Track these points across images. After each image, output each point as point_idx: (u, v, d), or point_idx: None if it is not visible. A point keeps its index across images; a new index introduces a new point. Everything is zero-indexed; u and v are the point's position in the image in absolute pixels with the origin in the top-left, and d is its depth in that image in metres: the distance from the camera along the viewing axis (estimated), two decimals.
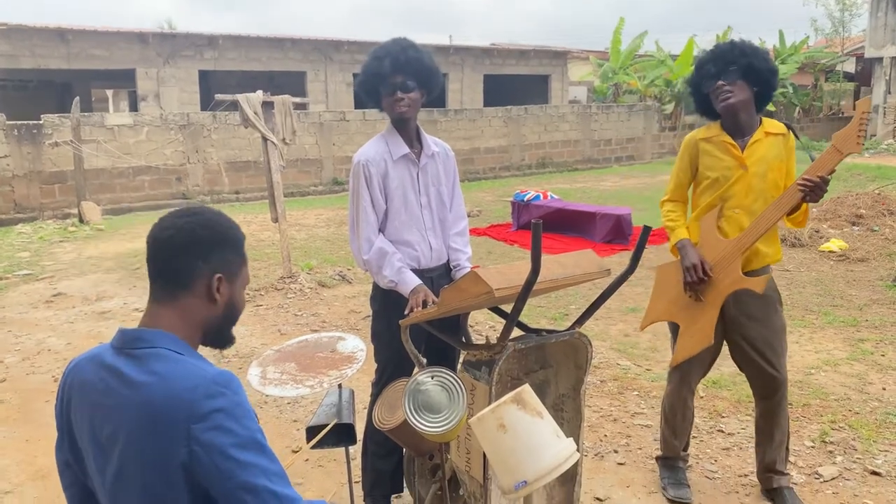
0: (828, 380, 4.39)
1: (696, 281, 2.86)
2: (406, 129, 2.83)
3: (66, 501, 1.64)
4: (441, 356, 2.81)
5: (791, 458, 3.39)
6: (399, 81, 2.71)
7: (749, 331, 2.94)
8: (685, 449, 3.24)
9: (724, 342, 3.04)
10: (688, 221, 3.08)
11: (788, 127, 2.96)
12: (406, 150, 2.81)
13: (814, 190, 2.68)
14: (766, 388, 3.00)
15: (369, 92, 2.82)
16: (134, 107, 19.42)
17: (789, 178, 2.92)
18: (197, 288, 1.46)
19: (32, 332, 5.77)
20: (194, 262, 1.45)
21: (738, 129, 2.91)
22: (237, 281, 1.52)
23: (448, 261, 2.99)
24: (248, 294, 6.73)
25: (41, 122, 12.28)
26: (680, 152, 3.08)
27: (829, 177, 2.70)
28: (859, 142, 2.63)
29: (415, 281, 2.70)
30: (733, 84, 2.84)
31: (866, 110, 2.64)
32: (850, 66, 28.92)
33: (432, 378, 1.98)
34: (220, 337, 1.56)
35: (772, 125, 2.94)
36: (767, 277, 2.89)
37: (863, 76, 27.61)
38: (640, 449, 3.60)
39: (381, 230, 2.82)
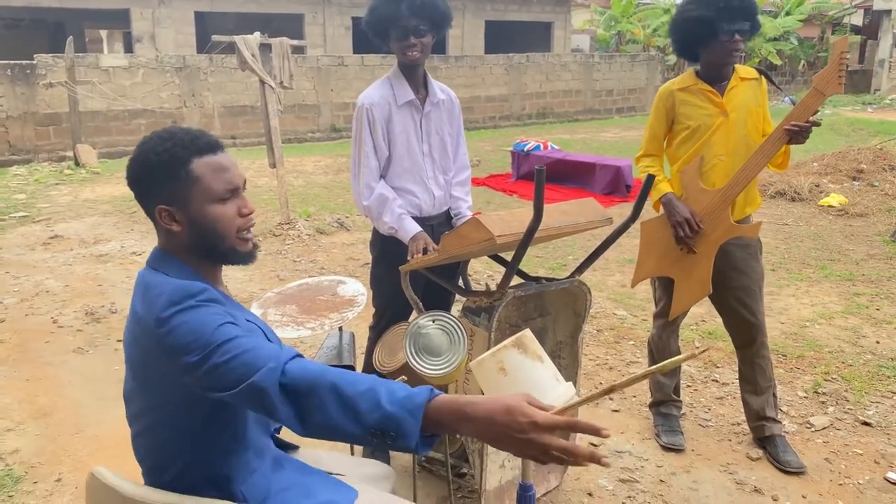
0: (822, 332, 4.43)
1: (689, 235, 2.84)
2: (414, 74, 2.77)
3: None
4: (438, 302, 2.81)
5: (783, 408, 3.45)
6: (413, 25, 2.62)
7: (733, 281, 2.97)
8: (676, 393, 3.28)
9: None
10: (669, 174, 3.05)
11: (761, 72, 2.96)
12: (411, 96, 2.75)
13: (801, 133, 2.67)
14: (745, 336, 3.03)
15: (379, 33, 2.72)
16: (129, 48, 19.06)
17: (766, 121, 2.94)
18: (157, 224, 1.54)
19: (31, 274, 5.77)
20: (143, 205, 1.54)
21: (717, 77, 2.90)
22: (192, 202, 1.50)
23: (449, 209, 2.97)
24: None
25: (34, 62, 12.05)
26: (655, 104, 3.03)
27: (816, 118, 2.68)
28: (840, 82, 2.61)
29: (415, 228, 2.69)
30: (744, 40, 2.82)
31: (844, 50, 2.62)
32: (857, 19, 28.40)
33: (433, 322, 1.98)
34: (216, 254, 1.57)
35: (744, 71, 2.94)
36: (759, 224, 2.91)
37: (870, 29, 27.13)
38: (634, 397, 3.64)
39: (383, 176, 2.79)
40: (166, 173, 1.49)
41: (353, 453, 2.60)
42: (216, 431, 1.53)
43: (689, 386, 3.73)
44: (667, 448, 3.13)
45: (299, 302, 2.29)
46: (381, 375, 2.28)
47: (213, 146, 1.53)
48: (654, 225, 3.02)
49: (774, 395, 3.09)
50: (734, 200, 2.82)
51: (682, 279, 2.97)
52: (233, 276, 5.58)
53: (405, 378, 2.21)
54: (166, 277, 1.48)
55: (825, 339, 4.32)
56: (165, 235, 1.54)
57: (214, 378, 1.35)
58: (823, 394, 3.63)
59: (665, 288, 3.12)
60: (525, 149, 10.22)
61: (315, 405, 1.29)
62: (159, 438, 1.54)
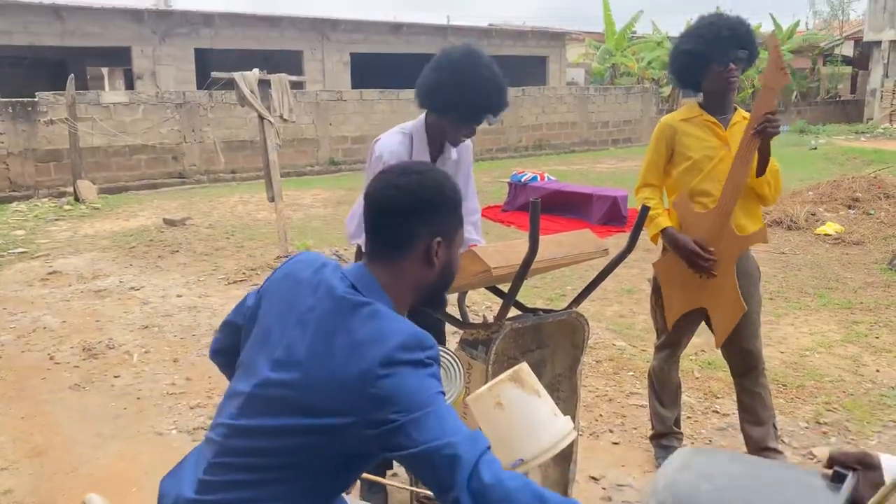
0: (822, 361, 4.42)
1: (705, 264, 2.83)
2: (440, 138, 2.77)
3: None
4: (430, 332, 2.81)
5: (785, 439, 3.42)
6: (481, 122, 2.66)
7: None
8: (677, 425, 3.26)
9: (704, 320, 3.06)
10: (668, 205, 3.07)
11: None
12: (427, 158, 2.76)
13: (767, 129, 2.69)
14: (743, 364, 3.02)
15: (451, 110, 2.64)
16: (130, 85, 19.27)
17: None
18: (416, 251, 1.45)
19: (28, 310, 5.75)
20: (415, 226, 1.44)
21: (720, 108, 2.93)
22: (454, 243, 1.51)
23: None
24: (243, 273, 6.73)
25: (36, 99, 12.17)
26: (655, 135, 3.03)
27: (776, 110, 2.73)
28: (784, 73, 2.68)
29: None
30: (740, 69, 2.86)
31: (776, 43, 2.71)
32: (848, 50, 28.82)
33: None
34: (434, 299, 1.55)
35: (743, 112, 2.99)
36: (765, 229, 2.90)
37: (861, 60, 27.51)
38: (634, 429, 3.62)
39: None
40: (454, 206, 1.49)
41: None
42: (332, 480, 1.41)
43: (689, 417, 3.70)
44: None
45: None
46: None
47: None
48: (667, 262, 3.00)
49: (774, 426, 3.07)
50: (731, 213, 2.80)
51: (713, 306, 2.92)
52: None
53: None
54: (397, 315, 1.40)
55: (825, 369, 4.30)
56: (411, 268, 1.46)
57: (405, 434, 1.26)
58: (825, 424, 3.61)
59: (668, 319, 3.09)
60: (522, 180, 10.30)
61: (502, 497, 1.22)
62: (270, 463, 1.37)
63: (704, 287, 2.91)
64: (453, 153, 2.85)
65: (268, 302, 1.50)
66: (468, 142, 2.93)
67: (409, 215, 1.44)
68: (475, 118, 2.63)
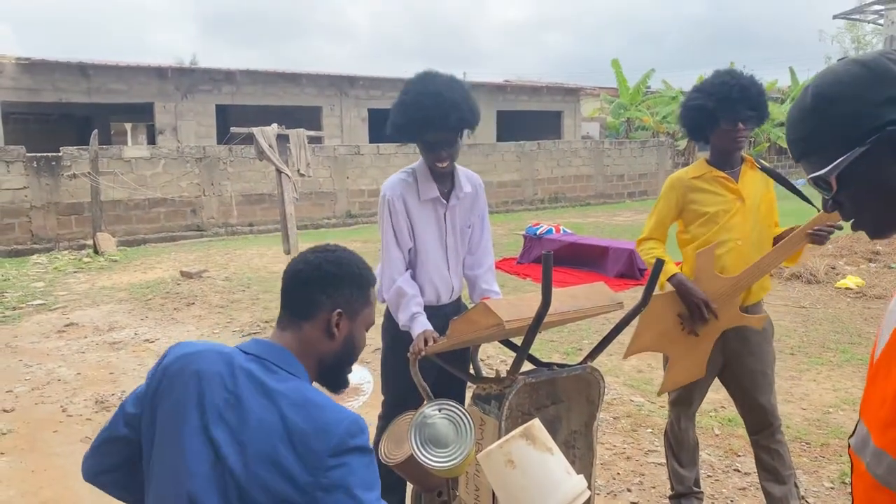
0: (847, 419, 4.29)
1: (703, 319, 2.80)
2: (442, 173, 2.76)
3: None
4: (452, 387, 2.76)
5: (810, 500, 3.31)
6: (442, 139, 2.59)
7: (747, 365, 2.93)
8: (697, 485, 3.16)
9: (718, 374, 3.02)
10: (682, 257, 3.05)
11: (769, 172, 2.97)
12: (435, 193, 2.73)
13: (824, 237, 2.70)
14: (760, 421, 2.96)
15: (408, 135, 2.66)
16: (152, 140, 19.71)
17: (774, 209, 2.97)
18: (318, 320, 1.51)
19: (43, 362, 5.77)
20: (317, 296, 1.51)
21: (727, 163, 2.94)
22: (357, 319, 1.56)
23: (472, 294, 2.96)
24: (258, 326, 6.73)
25: (60, 154, 12.46)
26: (665, 192, 3.04)
27: (838, 223, 2.67)
28: None
29: (423, 326, 2.65)
30: (749, 128, 2.87)
31: None
32: None
33: (440, 411, 1.94)
34: (335, 375, 1.58)
35: (750, 161, 2.99)
36: (766, 317, 2.91)
37: None
38: (653, 488, 3.51)
39: (412, 266, 2.78)
40: (359, 285, 1.56)
41: None
42: None
43: (709, 476, 3.60)
44: None
45: None
46: (387, 467, 2.22)
47: None
48: (659, 302, 2.97)
49: (796, 485, 2.97)
50: (745, 290, 2.81)
51: (678, 358, 2.91)
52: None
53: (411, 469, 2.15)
54: (325, 397, 1.40)
55: (850, 426, 4.18)
56: (313, 337, 1.50)
57: None
58: (851, 484, 3.48)
59: None
60: (537, 232, 10.31)
61: None
62: None
63: (680, 340, 2.89)
64: (466, 186, 2.81)
65: (168, 404, 1.41)
66: (479, 179, 2.91)
67: (310, 285, 1.51)
68: (418, 134, 2.60)
